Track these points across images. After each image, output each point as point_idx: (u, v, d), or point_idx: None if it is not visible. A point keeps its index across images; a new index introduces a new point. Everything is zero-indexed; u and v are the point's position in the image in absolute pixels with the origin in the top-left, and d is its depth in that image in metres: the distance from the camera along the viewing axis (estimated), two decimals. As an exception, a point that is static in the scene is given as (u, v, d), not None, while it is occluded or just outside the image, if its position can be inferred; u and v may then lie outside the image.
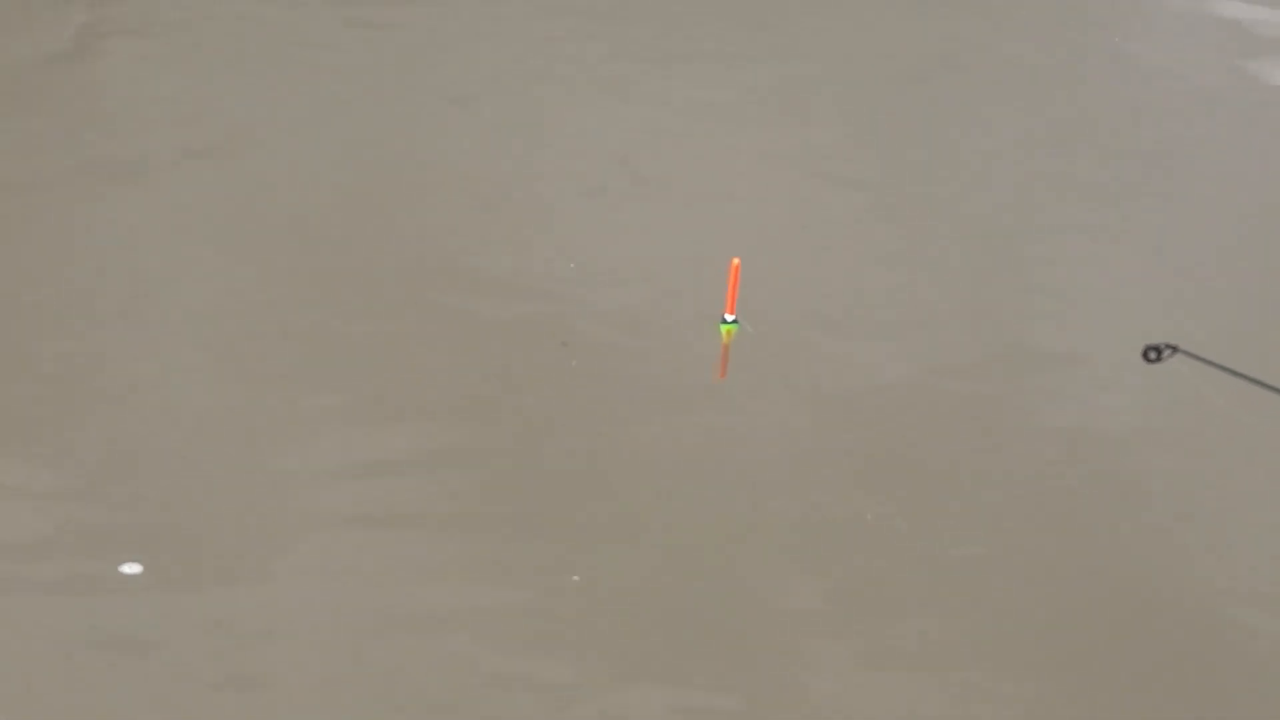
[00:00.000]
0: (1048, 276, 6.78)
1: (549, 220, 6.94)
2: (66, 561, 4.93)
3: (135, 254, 6.53)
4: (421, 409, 5.70)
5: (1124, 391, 5.98)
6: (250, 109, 7.78)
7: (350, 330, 6.11)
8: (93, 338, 6.00)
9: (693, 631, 4.80)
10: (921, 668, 4.76)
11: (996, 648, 4.85)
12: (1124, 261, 6.95)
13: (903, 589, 5.02)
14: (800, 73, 8.43)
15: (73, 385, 5.72)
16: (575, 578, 4.96)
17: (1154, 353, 3.85)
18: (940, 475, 5.52)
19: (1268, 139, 8.09)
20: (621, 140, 7.66)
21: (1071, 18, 9.31)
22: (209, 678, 4.53)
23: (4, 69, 8.06)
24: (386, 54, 8.30)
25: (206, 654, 4.60)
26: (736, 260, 6.00)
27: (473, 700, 4.51)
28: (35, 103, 7.76)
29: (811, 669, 4.72)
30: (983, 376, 6.09)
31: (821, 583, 5.03)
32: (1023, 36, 9.04)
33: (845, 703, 4.60)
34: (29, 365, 5.84)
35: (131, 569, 4.89)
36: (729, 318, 6.06)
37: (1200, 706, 4.68)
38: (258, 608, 4.81)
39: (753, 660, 4.72)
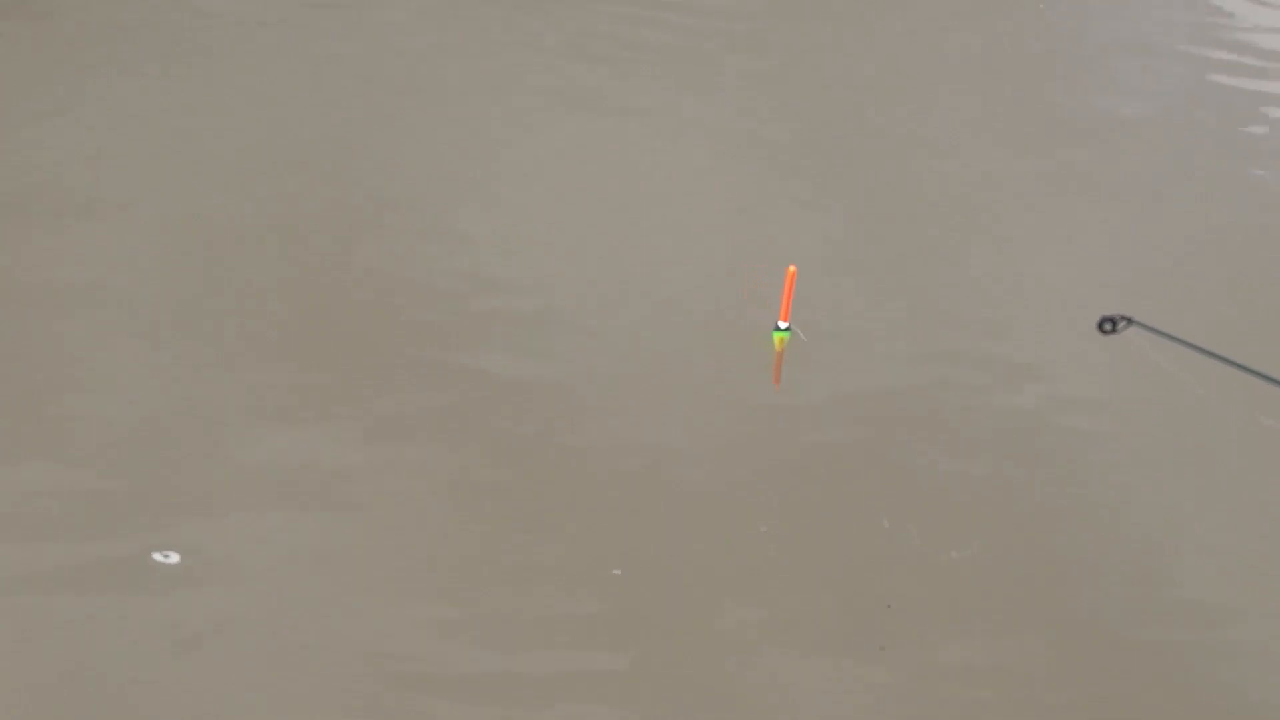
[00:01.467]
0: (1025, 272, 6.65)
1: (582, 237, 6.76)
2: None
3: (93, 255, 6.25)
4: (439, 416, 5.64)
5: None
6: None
7: (345, 330, 5.96)
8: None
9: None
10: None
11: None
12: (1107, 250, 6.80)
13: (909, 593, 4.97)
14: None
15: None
16: (616, 571, 4.85)
17: (1109, 324, 3.91)
18: (938, 477, 5.45)
19: (1228, 120, 7.87)
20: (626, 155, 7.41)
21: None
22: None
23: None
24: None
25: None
26: (793, 268, 5.89)
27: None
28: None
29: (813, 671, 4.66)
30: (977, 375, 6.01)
31: (833, 584, 4.96)
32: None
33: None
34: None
35: (165, 558, 4.85)
36: (782, 325, 5.94)
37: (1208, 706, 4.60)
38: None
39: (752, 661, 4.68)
